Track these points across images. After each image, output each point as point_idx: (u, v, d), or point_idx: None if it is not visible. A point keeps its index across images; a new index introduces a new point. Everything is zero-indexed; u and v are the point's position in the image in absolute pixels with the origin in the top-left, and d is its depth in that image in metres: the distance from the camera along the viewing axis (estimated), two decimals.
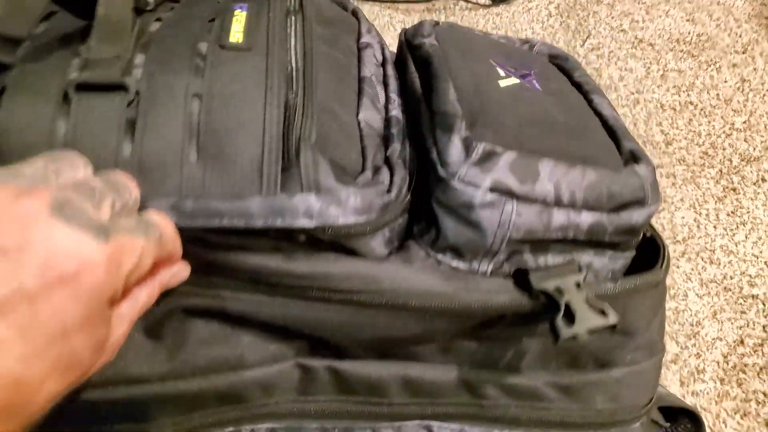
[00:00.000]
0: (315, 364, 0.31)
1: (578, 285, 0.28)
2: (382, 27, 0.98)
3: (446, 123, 0.29)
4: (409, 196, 0.30)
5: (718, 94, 0.89)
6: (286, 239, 0.27)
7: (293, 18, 0.33)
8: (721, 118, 0.86)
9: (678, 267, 0.71)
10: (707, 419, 0.61)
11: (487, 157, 0.28)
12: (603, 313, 0.27)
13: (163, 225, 0.24)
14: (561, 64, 0.42)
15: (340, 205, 0.26)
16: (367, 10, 0.99)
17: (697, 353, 0.65)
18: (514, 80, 0.35)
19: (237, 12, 0.32)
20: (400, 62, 0.39)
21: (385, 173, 0.30)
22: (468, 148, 0.28)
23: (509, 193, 0.28)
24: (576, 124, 0.33)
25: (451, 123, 0.29)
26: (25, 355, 0.16)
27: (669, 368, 0.64)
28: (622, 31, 0.97)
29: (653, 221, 0.34)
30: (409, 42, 0.39)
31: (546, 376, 0.32)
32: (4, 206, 0.18)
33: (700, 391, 0.63)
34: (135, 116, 0.27)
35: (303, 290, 0.28)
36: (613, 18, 0.99)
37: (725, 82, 0.90)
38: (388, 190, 0.29)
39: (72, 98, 0.26)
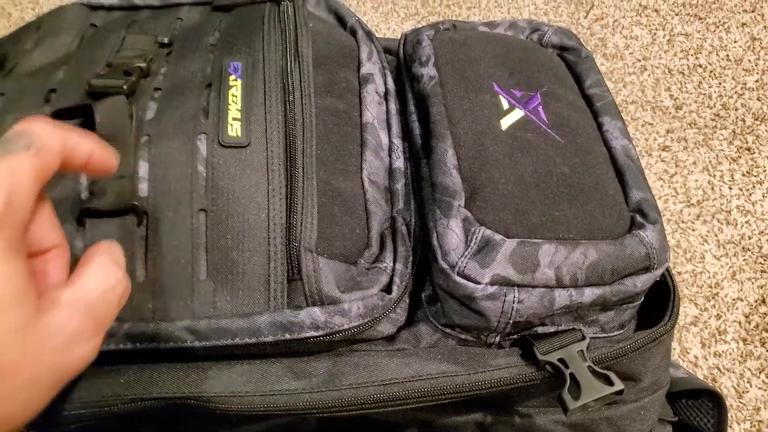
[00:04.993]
0: None
1: (582, 353, 0.28)
2: (386, 14, 0.99)
3: (445, 201, 0.30)
4: (411, 277, 0.30)
5: (727, 55, 0.87)
6: (297, 343, 0.28)
7: (289, 77, 0.32)
8: (732, 78, 0.84)
9: (694, 230, 0.71)
10: (731, 380, 0.61)
11: (486, 247, 0.28)
12: (608, 380, 0.27)
13: (40, 132, 0.21)
14: (573, 62, 0.40)
15: (344, 315, 0.27)
16: None
17: (718, 314, 0.65)
18: (518, 113, 0.34)
19: (232, 80, 0.31)
20: (400, 87, 0.38)
21: (388, 254, 0.30)
22: (467, 234, 0.28)
23: (510, 284, 0.27)
24: (581, 174, 0.31)
25: (450, 201, 0.29)
26: None
27: (689, 330, 0.64)
28: None
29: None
30: (408, 66, 0.38)
31: (555, 414, 0.32)
32: None
33: (723, 351, 0.63)
34: (145, 234, 0.27)
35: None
36: None
37: (735, 42, 0.89)
38: (389, 285, 0.29)
39: (86, 223, 0.27)
